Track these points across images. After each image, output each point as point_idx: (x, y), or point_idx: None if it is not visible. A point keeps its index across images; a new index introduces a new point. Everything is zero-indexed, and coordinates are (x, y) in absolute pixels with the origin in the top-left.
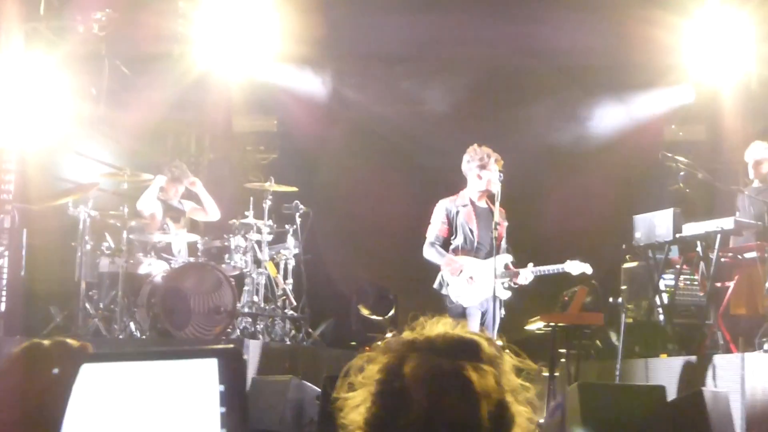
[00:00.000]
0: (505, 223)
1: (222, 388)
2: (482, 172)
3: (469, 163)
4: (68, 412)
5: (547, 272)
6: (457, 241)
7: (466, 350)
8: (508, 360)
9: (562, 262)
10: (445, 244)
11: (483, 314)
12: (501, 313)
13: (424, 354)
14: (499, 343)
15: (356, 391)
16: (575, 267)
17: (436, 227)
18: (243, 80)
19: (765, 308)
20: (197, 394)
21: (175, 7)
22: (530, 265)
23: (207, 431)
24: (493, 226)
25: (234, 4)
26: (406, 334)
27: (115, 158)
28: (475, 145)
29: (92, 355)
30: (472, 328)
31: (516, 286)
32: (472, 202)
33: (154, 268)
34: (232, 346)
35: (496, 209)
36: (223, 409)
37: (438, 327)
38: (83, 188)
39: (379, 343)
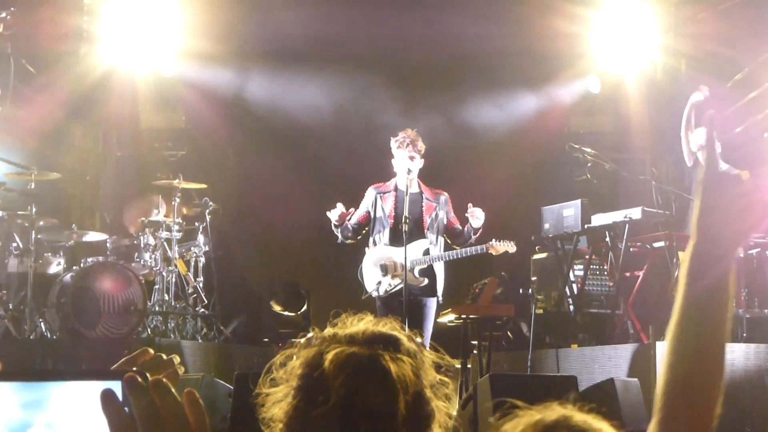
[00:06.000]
0: (436, 204)
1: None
2: (397, 151)
3: (392, 149)
4: None
5: (468, 254)
6: (377, 230)
7: (385, 343)
8: (428, 355)
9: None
10: (360, 229)
11: (399, 303)
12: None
13: (343, 345)
14: (419, 339)
15: (278, 387)
16: (498, 247)
17: (358, 212)
18: (150, 76)
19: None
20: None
21: (80, 4)
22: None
23: None
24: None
25: (139, 0)
26: (328, 331)
27: (21, 158)
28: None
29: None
30: (384, 317)
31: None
32: (396, 188)
33: (63, 268)
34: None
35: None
36: None
37: (360, 324)
38: None
39: (301, 340)
